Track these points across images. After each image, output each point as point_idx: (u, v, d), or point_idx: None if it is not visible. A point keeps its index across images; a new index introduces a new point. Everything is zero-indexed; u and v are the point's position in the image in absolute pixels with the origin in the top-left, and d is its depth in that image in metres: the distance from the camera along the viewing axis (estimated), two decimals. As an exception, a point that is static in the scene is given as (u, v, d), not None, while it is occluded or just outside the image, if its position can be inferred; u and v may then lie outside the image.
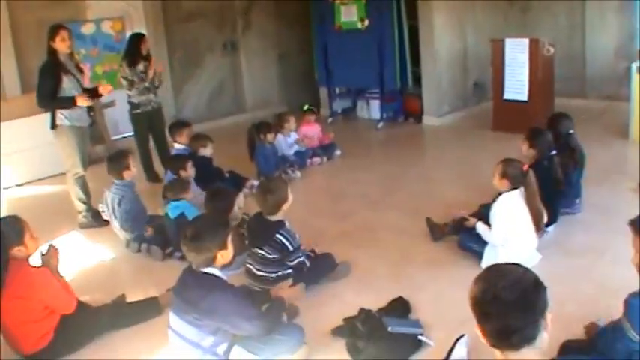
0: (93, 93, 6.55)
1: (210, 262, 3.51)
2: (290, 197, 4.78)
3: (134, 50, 7.73)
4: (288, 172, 7.72)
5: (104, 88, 6.66)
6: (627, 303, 2.96)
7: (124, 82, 7.72)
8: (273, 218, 4.73)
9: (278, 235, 4.63)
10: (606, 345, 3.17)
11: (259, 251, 4.69)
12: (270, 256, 4.66)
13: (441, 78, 10.29)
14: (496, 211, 4.88)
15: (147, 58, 7.79)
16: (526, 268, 2.13)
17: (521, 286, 2.04)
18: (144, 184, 7.27)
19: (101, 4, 9.80)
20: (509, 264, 2.18)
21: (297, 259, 4.74)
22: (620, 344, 2.99)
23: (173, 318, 3.60)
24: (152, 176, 8.01)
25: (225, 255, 3.57)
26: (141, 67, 7.70)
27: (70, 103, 6.21)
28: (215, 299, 3.42)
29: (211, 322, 3.46)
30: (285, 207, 4.74)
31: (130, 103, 7.84)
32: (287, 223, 4.76)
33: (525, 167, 4.87)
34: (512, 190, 4.85)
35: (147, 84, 7.74)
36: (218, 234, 3.52)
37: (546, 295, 2.07)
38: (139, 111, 7.84)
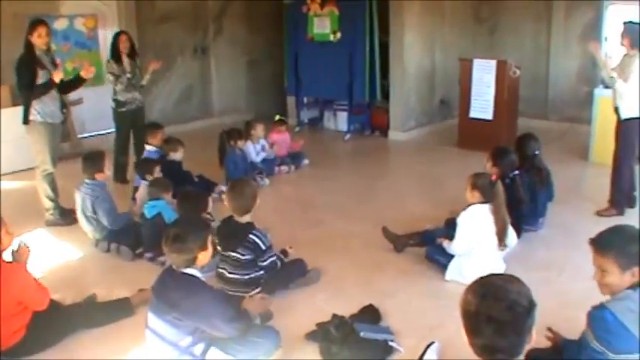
0: (76, 82, 6.59)
1: (191, 262, 3.55)
2: (257, 200, 4.86)
3: (113, 48, 7.78)
4: (256, 179, 7.76)
5: (87, 71, 6.52)
6: (590, 315, 3.07)
7: (111, 78, 7.74)
8: (244, 219, 4.79)
9: (251, 236, 4.69)
10: (572, 356, 3.30)
11: (233, 254, 4.72)
12: (244, 258, 4.70)
13: (409, 93, 10.48)
14: (462, 220, 5.02)
15: (132, 56, 7.81)
16: (521, 286, 2.17)
17: (516, 309, 2.09)
18: (110, 183, 7.15)
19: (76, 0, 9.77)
20: (504, 278, 2.23)
21: (270, 259, 4.80)
22: (584, 355, 3.12)
23: (151, 318, 3.62)
24: (121, 177, 7.96)
25: (205, 256, 3.61)
26: (126, 63, 7.72)
27: (48, 86, 6.22)
28: (196, 300, 3.47)
29: (191, 323, 3.50)
30: (253, 209, 4.81)
31: (115, 100, 7.84)
32: (256, 225, 4.83)
33: (494, 177, 5.02)
34: (483, 203, 4.99)
35: (132, 80, 7.76)
36: (200, 235, 3.56)
37: (535, 313, 2.14)
38: (123, 109, 7.85)
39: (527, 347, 2.16)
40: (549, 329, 3.70)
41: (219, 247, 4.79)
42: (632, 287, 3.01)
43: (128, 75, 7.73)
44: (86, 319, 4.51)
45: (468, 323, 2.15)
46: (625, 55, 6.41)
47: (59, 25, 9.16)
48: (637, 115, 6.32)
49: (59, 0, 9.59)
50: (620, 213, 6.54)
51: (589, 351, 3.06)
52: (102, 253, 5.91)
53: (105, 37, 10.15)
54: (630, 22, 6.44)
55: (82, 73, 6.55)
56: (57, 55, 7.95)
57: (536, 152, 6.27)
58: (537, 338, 3.42)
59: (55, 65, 6.55)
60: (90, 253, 5.94)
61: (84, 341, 4.38)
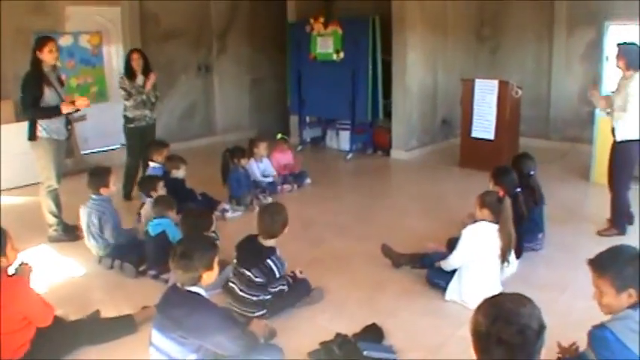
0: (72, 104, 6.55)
1: (196, 281, 3.58)
2: (286, 228, 4.88)
3: (126, 65, 7.85)
4: (259, 198, 7.81)
5: (81, 102, 6.49)
6: (591, 335, 3.10)
7: (123, 94, 7.77)
8: (267, 243, 4.82)
9: (269, 261, 4.72)
10: None
11: (247, 273, 4.74)
12: (257, 280, 4.73)
13: (411, 113, 10.54)
14: (467, 232, 5.06)
15: (146, 73, 7.84)
16: (532, 308, 2.19)
17: (527, 332, 2.11)
18: (116, 200, 7.16)
19: (80, 16, 9.86)
20: (516, 300, 2.24)
21: (280, 287, 4.86)
22: None
23: (155, 335, 3.64)
24: (127, 194, 8.00)
25: (210, 275, 3.64)
26: (140, 80, 7.76)
27: (56, 111, 6.24)
28: (200, 318, 3.49)
29: (195, 341, 3.52)
30: (285, 231, 4.85)
31: (125, 117, 7.88)
32: (278, 251, 4.87)
33: (501, 193, 5.06)
34: (492, 216, 5.03)
35: (144, 97, 7.79)
36: (206, 254, 3.60)
37: (545, 335, 2.15)
38: (132, 125, 7.87)
39: None
40: (559, 345, 3.72)
41: (235, 261, 4.82)
42: (632, 307, 3.03)
43: (143, 96, 7.78)
44: (89, 335, 4.52)
45: (478, 343, 2.17)
46: (621, 78, 6.45)
47: (64, 41, 9.19)
48: (633, 138, 6.37)
49: (64, 12, 9.65)
50: (621, 232, 6.57)
51: None
52: (105, 270, 5.91)
53: (109, 54, 10.26)
54: (625, 43, 6.49)
55: (77, 104, 6.43)
56: (62, 71, 8.01)
57: (532, 172, 6.32)
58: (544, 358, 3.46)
59: (61, 82, 6.60)
60: (93, 269, 5.95)
61: (87, 357, 4.38)
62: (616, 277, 3.04)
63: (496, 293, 2.33)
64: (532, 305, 2.21)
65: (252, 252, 4.78)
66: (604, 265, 3.11)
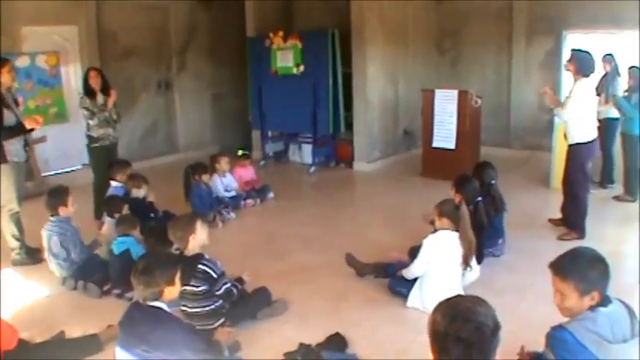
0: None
1: (158, 296, 3.59)
2: (201, 232, 4.84)
3: (84, 84, 7.77)
4: (222, 213, 7.83)
5: (35, 121, 6.39)
6: (550, 337, 3.10)
7: (86, 113, 7.67)
8: (191, 252, 4.81)
9: (201, 266, 4.73)
10: None
11: (188, 288, 4.73)
12: (199, 289, 4.73)
13: (373, 124, 10.65)
14: (428, 242, 5.16)
15: (105, 91, 7.76)
16: (487, 308, 2.23)
17: (484, 330, 2.16)
18: (84, 220, 6.94)
19: (37, 36, 9.71)
20: (471, 300, 2.29)
21: (224, 286, 4.84)
22: None
23: (120, 352, 3.64)
24: (100, 214, 7.88)
25: (172, 291, 3.66)
26: (100, 99, 7.69)
27: (21, 129, 6.22)
28: (164, 332, 3.50)
29: (159, 354, 3.53)
30: (192, 239, 4.79)
31: (89, 136, 7.78)
32: (206, 255, 4.86)
33: (457, 200, 5.16)
34: (450, 224, 5.13)
35: (107, 115, 7.71)
36: (168, 270, 3.62)
37: (499, 334, 2.20)
38: (97, 145, 7.77)
39: None
40: (522, 348, 3.78)
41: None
42: (591, 309, 3.05)
43: (106, 113, 7.71)
44: (55, 356, 4.49)
45: (436, 343, 2.20)
46: (574, 83, 6.63)
47: (21, 62, 9.12)
48: (581, 141, 6.60)
49: (21, 33, 9.53)
50: (581, 236, 6.71)
51: None
52: (69, 291, 5.87)
53: (67, 74, 10.18)
54: (578, 50, 6.69)
55: (31, 123, 6.36)
56: (19, 93, 7.95)
57: (493, 181, 6.44)
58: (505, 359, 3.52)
59: (17, 104, 6.56)
60: (57, 291, 5.90)
61: (53, 379, 4.36)
62: (580, 280, 3.03)
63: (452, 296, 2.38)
64: (487, 305, 2.25)
65: (183, 267, 4.77)
66: (567, 268, 3.11)
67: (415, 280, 5.26)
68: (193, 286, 4.74)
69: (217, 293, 4.82)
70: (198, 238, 4.83)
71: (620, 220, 7.52)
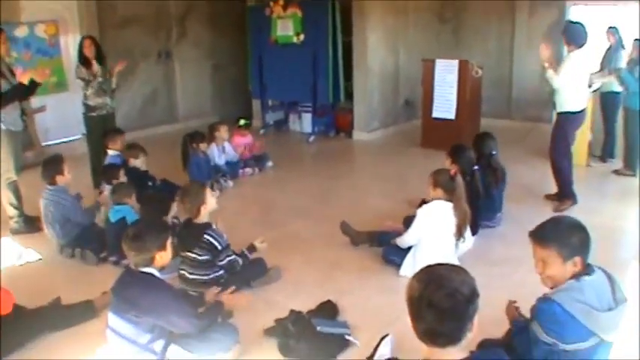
0: (31, 87, 6.46)
1: (149, 262, 3.63)
2: (211, 201, 4.92)
3: (79, 53, 7.72)
4: (220, 182, 7.86)
5: (39, 75, 6.51)
6: (537, 309, 3.13)
7: (81, 83, 7.66)
8: (199, 221, 4.88)
9: (206, 236, 4.78)
10: (522, 347, 3.39)
11: (190, 254, 4.82)
12: (201, 258, 4.80)
13: (373, 94, 10.62)
14: (422, 211, 5.19)
15: (100, 60, 7.74)
16: (465, 276, 2.26)
17: (457, 297, 2.18)
18: (83, 189, 6.96)
19: (35, 5, 9.68)
20: (450, 268, 2.32)
21: (228, 258, 4.90)
22: (535, 348, 3.17)
23: (112, 317, 3.70)
24: (98, 182, 7.90)
25: (163, 257, 3.69)
26: (96, 68, 7.64)
27: (23, 89, 6.22)
28: (154, 297, 3.56)
29: (150, 320, 3.58)
30: (204, 209, 4.86)
31: (85, 105, 7.75)
32: (214, 225, 4.92)
33: (453, 172, 5.18)
34: (445, 195, 5.14)
35: (100, 80, 7.66)
36: (158, 236, 3.65)
37: (477, 302, 2.23)
38: (94, 114, 7.75)
39: (470, 335, 2.24)
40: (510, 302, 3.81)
41: (178, 249, 4.88)
42: (574, 277, 3.08)
43: (99, 79, 7.67)
44: (51, 321, 4.57)
45: (411, 308, 2.24)
46: (568, 51, 6.69)
47: (20, 32, 9.13)
48: (569, 110, 6.67)
49: (19, 1, 9.49)
50: (574, 201, 6.79)
51: (540, 345, 3.13)
52: (67, 259, 5.93)
53: (67, 43, 10.17)
54: (571, 21, 6.71)
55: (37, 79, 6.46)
56: (18, 63, 7.96)
57: (493, 152, 6.43)
58: (490, 329, 3.56)
59: (13, 74, 6.55)
60: (55, 259, 5.97)
61: (49, 344, 4.43)
62: (562, 246, 3.09)
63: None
64: (466, 273, 2.27)
65: (189, 234, 4.83)
66: (548, 236, 3.16)
67: (409, 249, 5.30)
68: (196, 254, 4.80)
69: (219, 264, 4.87)
70: (209, 207, 4.90)
71: (619, 195, 7.49)
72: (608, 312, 3.02)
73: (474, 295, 2.22)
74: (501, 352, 2.40)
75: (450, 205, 5.13)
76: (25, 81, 6.33)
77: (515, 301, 3.82)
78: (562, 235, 3.12)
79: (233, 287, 4.61)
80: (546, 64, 6.68)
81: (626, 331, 3.59)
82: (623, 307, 3.06)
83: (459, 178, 5.20)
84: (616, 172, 8.24)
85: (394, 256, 5.41)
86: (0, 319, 4.24)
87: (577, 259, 3.07)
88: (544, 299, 3.12)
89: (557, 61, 6.92)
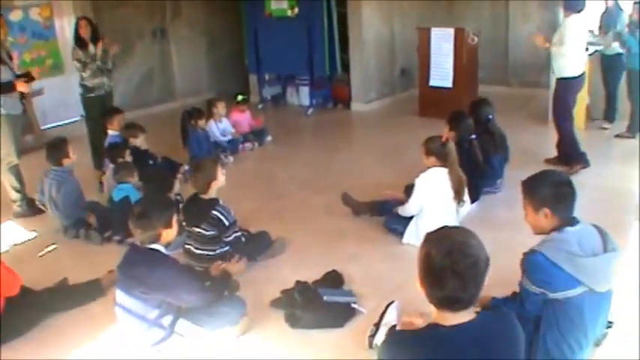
0: (27, 79, 6.49)
1: (155, 239, 3.68)
2: (221, 177, 4.96)
3: (75, 34, 7.68)
4: (220, 157, 7.87)
5: (36, 72, 6.57)
6: (524, 261, 3.29)
7: (78, 65, 7.61)
8: (207, 197, 4.91)
9: (214, 212, 4.81)
10: (516, 309, 3.46)
11: (197, 230, 4.85)
12: (208, 233, 4.84)
13: (369, 65, 10.60)
14: (419, 181, 5.23)
15: (96, 41, 7.67)
16: (477, 239, 2.27)
17: (480, 264, 2.21)
18: (83, 170, 7.12)
19: (29, -12, 9.62)
20: (463, 233, 2.32)
21: (234, 234, 4.94)
22: (527, 301, 3.33)
23: (119, 294, 3.75)
24: (98, 163, 7.89)
25: (169, 233, 3.74)
26: (92, 49, 7.60)
27: (9, 88, 6.19)
28: (161, 273, 3.61)
29: (157, 296, 3.64)
30: (214, 185, 4.91)
31: (83, 86, 7.72)
32: (221, 201, 4.96)
33: (444, 138, 5.21)
34: (441, 166, 5.18)
35: (99, 64, 7.64)
36: (164, 213, 3.70)
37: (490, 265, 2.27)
38: (92, 95, 7.73)
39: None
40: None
41: (184, 224, 4.92)
42: (557, 229, 3.25)
43: (98, 62, 7.65)
44: (59, 302, 4.63)
45: (430, 277, 2.22)
46: (563, 18, 6.78)
47: (14, 16, 9.09)
48: (568, 76, 6.71)
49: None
50: (586, 165, 6.83)
51: (531, 297, 3.28)
52: (71, 240, 5.97)
53: (62, 25, 10.12)
54: None
55: (33, 74, 6.54)
56: (14, 47, 7.94)
57: (490, 117, 6.44)
58: (494, 291, 3.61)
59: (11, 58, 6.56)
60: (59, 240, 5.99)
61: (59, 323, 4.50)
62: (532, 196, 3.35)
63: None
64: (477, 237, 2.29)
65: (196, 209, 4.87)
66: (528, 185, 3.40)
67: (411, 217, 5.34)
68: (203, 229, 4.84)
69: (226, 240, 4.91)
70: (219, 183, 4.95)
71: (620, 157, 7.50)
72: (593, 258, 3.16)
73: (488, 259, 2.25)
74: (508, 311, 2.44)
75: (445, 170, 5.17)
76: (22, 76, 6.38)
77: None
78: (535, 187, 3.37)
79: (237, 256, 4.72)
80: (547, 45, 6.75)
81: (626, 331, 3.74)
82: (613, 256, 3.22)
83: (451, 144, 5.24)
84: (618, 135, 8.22)
85: (396, 224, 5.47)
86: (7, 301, 4.29)
87: (546, 210, 3.28)
88: (529, 251, 3.28)
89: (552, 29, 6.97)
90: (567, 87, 6.77)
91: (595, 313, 3.30)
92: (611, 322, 3.69)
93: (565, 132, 6.88)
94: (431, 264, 2.21)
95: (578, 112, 7.91)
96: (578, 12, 6.55)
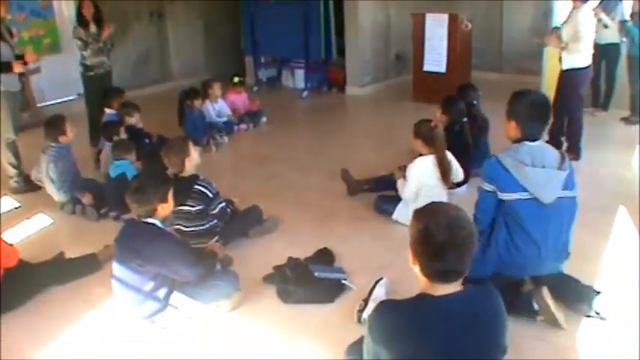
0: (23, 62, 6.51)
1: (152, 213, 3.77)
2: (194, 153, 4.96)
3: (77, 14, 7.71)
4: (216, 138, 7.97)
5: (29, 56, 6.57)
6: (483, 164, 3.90)
7: (79, 43, 7.63)
8: (187, 174, 4.94)
9: (197, 186, 4.88)
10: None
11: (184, 207, 4.88)
12: (194, 209, 4.89)
13: (364, 49, 10.69)
14: (410, 171, 5.32)
15: (98, 21, 7.72)
16: (466, 213, 2.38)
17: (475, 235, 2.31)
18: (80, 148, 7.13)
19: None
20: (453, 206, 2.42)
21: (219, 206, 5.02)
22: (481, 197, 3.91)
23: (116, 267, 3.84)
24: (96, 141, 7.94)
25: (165, 208, 3.84)
26: (93, 28, 7.64)
27: (7, 67, 6.25)
28: (157, 246, 3.70)
29: (152, 268, 3.73)
30: (188, 162, 4.90)
31: (83, 65, 7.76)
32: (200, 176, 5.00)
33: (433, 124, 5.30)
34: (428, 153, 5.27)
35: (100, 45, 7.71)
36: (159, 188, 3.79)
37: None
38: (92, 73, 7.77)
39: None
40: None
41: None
42: (518, 141, 3.77)
43: (100, 44, 7.68)
44: (56, 275, 4.71)
45: (429, 250, 2.28)
46: (572, 9, 6.67)
47: (13, -6, 9.16)
48: (577, 66, 6.67)
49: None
50: (576, 157, 6.83)
51: (484, 195, 3.88)
52: (68, 215, 6.06)
53: (60, 5, 10.17)
54: None
55: (27, 57, 6.52)
56: (12, 25, 7.97)
57: (474, 102, 6.57)
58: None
59: (11, 35, 6.62)
60: (56, 215, 6.08)
61: (56, 296, 4.58)
62: (511, 106, 3.83)
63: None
64: (464, 210, 2.39)
65: (179, 187, 4.74)
66: (514, 94, 3.87)
67: (399, 198, 5.46)
68: (190, 205, 4.89)
69: (212, 213, 4.99)
70: (193, 160, 4.97)
71: (621, 142, 7.61)
72: (539, 169, 3.65)
73: (477, 232, 2.36)
74: (493, 287, 2.53)
75: (431, 158, 5.26)
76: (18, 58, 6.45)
77: None
78: (515, 100, 3.84)
79: (215, 239, 4.87)
80: (562, 45, 6.68)
81: (626, 331, 3.81)
82: (559, 173, 3.68)
83: (440, 130, 5.31)
84: (625, 119, 8.31)
85: (386, 205, 5.57)
86: (4, 273, 4.38)
87: (514, 123, 3.78)
88: (490, 157, 3.90)
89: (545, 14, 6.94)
90: (579, 77, 6.75)
91: (537, 221, 3.73)
92: (598, 291, 3.99)
93: (574, 121, 6.89)
94: (430, 237, 2.27)
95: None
96: (585, 1, 6.57)
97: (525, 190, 3.66)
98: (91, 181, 6.39)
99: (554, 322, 3.75)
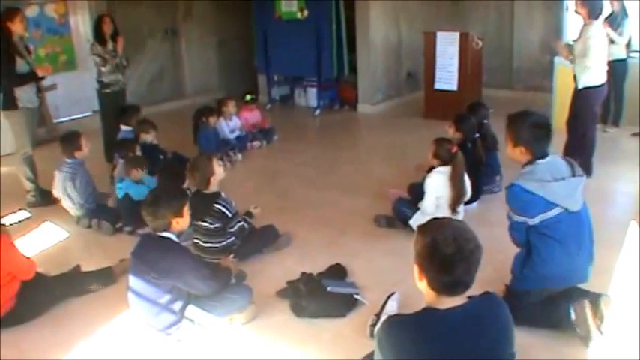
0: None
1: (167, 227, 3.85)
2: (218, 170, 5.10)
3: (97, 31, 7.84)
4: (229, 155, 8.05)
5: (43, 70, 6.78)
6: (506, 194, 3.85)
7: (97, 60, 7.78)
8: (209, 192, 5.06)
9: (217, 205, 4.97)
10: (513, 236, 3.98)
11: (202, 224, 5.00)
12: (213, 226, 4.99)
13: (376, 67, 10.77)
14: (427, 186, 5.38)
15: (115, 38, 7.86)
16: (470, 228, 2.44)
17: (480, 247, 2.37)
18: (95, 164, 7.28)
19: (45, -15, 9.78)
20: (456, 221, 2.51)
21: (237, 225, 5.13)
22: (513, 230, 3.90)
23: (132, 279, 3.93)
24: (111, 157, 7.92)
25: (180, 222, 3.91)
26: (110, 45, 7.79)
27: (33, 76, 6.43)
28: (172, 259, 3.78)
29: (168, 281, 3.81)
30: (213, 179, 5.05)
31: (100, 82, 7.90)
32: (222, 194, 5.11)
33: (454, 149, 5.34)
34: (441, 165, 5.34)
35: (117, 62, 7.85)
36: (174, 202, 3.87)
37: None
38: (108, 90, 7.91)
39: None
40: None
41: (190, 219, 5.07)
42: (529, 163, 3.80)
43: (117, 60, 7.84)
44: (72, 287, 4.78)
45: (437, 263, 2.33)
46: (583, 25, 6.57)
47: (30, 12, 9.25)
48: (592, 85, 6.55)
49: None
50: (587, 174, 6.78)
51: (514, 224, 3.86)
52: (84, 230, 6.14)
53: (76, 22, 10.30)
54: None
55: (39, 71, 6.70)
56: (29, 42, 8.08)
57: (485, 120, 6.60)
58: (489, 287, 3.76)
59: (28, 51, 6.75)
60: (72, 230, 6.16)
61: (72, 308, 4.64)
62: (515, 133, 3.84)
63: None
64: (467, 224, 2.47)
65: (199, 204, 4.93)
66: (512, 120, 3.90)
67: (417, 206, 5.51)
68: (208, 222, 4.98)
69: (230, 230, 5.08)
70: (217, 177, 5.09)
71: (621, 160, 7.60)
72: (561, 182, 3.69)
73: (481, 245, 2.41)
74: (498, 297, 2.58)
75: (446, 170, 5.33)
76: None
77: None
78: (519, 126, 3.85)
79: (232, 255, 4.92)
80: (570, 57, 6.67)
81: (626, 331, 3.87)
82: (578, 179, 3.75)
83: (460, 155, 5.35)
84: (636, 135, 8.30)
85: (406, 208, 5.64)
86: (22, 285, 4.45)
87: (522, 148, 3.81)
88: (509, 185, 3.82)
89: (559, 34, 6.93)
90: (594, 95, 6.64)
91: (574, 229, 3.79)
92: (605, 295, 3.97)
93: (587, 138, 6.80)
94: (439, 250, 2.32)
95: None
96: (596, 17, 6.48)
97: (555, 205, 3.70)
98: (102, 198, 6.49)
99: (587, 335, 3.74)
